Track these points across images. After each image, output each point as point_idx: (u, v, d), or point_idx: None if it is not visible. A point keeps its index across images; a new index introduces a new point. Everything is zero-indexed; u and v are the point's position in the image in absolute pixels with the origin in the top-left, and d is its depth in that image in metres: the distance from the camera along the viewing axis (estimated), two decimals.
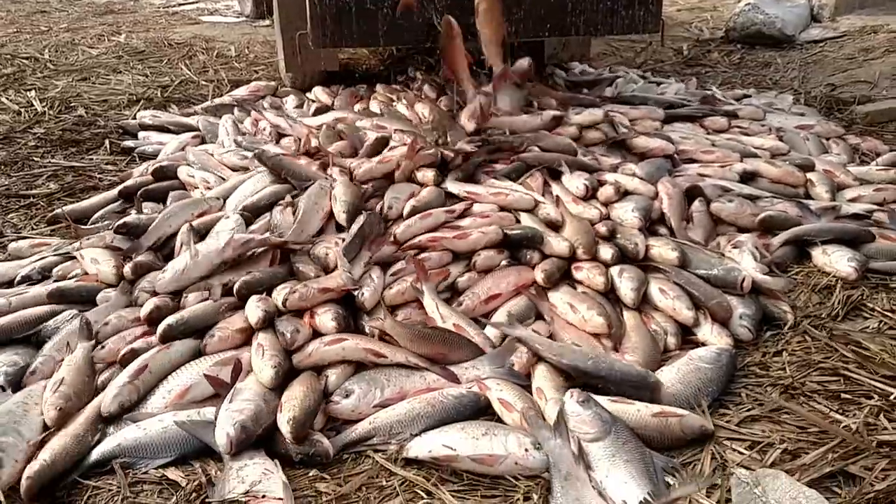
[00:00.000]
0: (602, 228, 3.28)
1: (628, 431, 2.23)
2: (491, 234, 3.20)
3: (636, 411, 2.34)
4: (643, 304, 2.97)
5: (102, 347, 2.73)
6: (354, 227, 3.17)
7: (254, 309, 2.77)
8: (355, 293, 2.86)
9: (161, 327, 2.73)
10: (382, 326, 2.74)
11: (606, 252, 3.13)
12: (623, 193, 3.60)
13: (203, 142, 4.77)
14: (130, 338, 2.78)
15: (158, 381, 2.58)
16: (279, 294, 2.83)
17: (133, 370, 2.56)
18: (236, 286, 2.90)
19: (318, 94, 5.57)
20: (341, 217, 3.29)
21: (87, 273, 3.20)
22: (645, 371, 2.52)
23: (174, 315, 2.79)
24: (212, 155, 4.30)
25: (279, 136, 4.68)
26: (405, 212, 3.33)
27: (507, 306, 2.95)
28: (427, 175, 3.61)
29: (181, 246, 3.25)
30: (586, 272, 3.03)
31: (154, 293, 2.96)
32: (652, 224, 3.46)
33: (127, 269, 3.12)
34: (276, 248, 3.14)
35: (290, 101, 5.52)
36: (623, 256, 3.15)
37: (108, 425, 2.43)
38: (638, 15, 4.63)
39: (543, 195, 3.57)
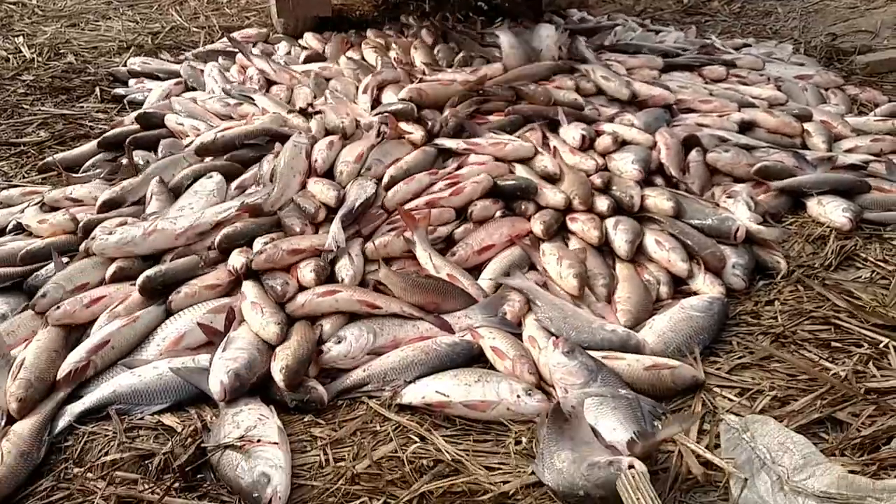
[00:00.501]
0: (597, 180, 3.26)
1: (614, 377, 2.26)
2: (483, 182, 3.18)
3: (627, 366, 2.35)
4: (637, 253, 2.97)
5: (58, 308, 2.62)
6: (358, 198, 3.08)
7: (236, 257, 2.78)
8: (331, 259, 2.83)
9: (140, 280, 2.69)
10: (376, 275, 2.74)
11: (602, 203, 3.13)
12: (621, 143, 3.56)
13: (187, 88, 4.71)
14: (87, 300, 2.67)
15: (120, 356, 2.52)
16: (255, 250, 2.83)
17: (92, 345, 2.49)
18: (217, 239, 2.87)
19: (309, 40, 5.47)
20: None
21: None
22: (626, 334, 2.51)
23: (154, 267, 2.77)
24: (196, 102, 4.27)
25: (268, 82, 4.62)
26: (384, 181, 3.23)
27: (500, 257, 2.95)
28: (414, 135, 3.53)
29: (151, 197, 3.23)
30: (581, 224, 3.03)
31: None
32: (650, 174, 3.43)
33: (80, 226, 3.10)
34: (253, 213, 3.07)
35: (282, 48, 5.43)
36: (619, 208, 3.14)
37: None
38: None
39: (542, 148, 3.52)
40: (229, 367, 2.31)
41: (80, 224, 3.10)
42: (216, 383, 2.28)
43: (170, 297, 2.66)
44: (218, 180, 3.29)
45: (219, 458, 2.08)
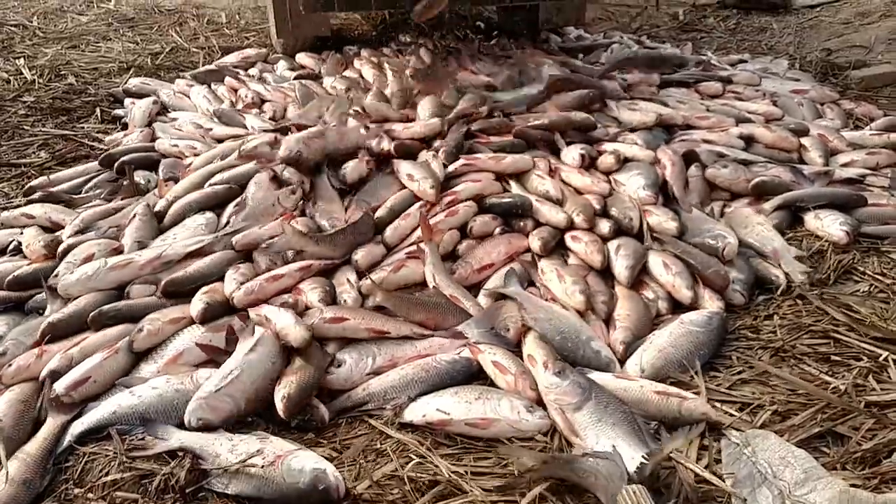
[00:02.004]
0: (595, 204, 3.24)
1: (607, 393, 2.25)
2: (473, 208, 3.24)
3: (639, 387, 2.33)
4: (641, 271, 2.95)
5: (10, 365, 2.51)
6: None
7: (197, 301, 2.68)
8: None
9: (91, 315, 2.65)
10: (376, 301, 2.74)
11: (605, 227, 3.11)
12: (623, 161, 3.57)
13: (164, 108, 4.81)
14: (39, 351, 2.56)
15: (103, 389, 2.45)
16: (228, 288, 2.76)
17: (72, 381, 2.42)
18: (161, 285, 2.78)
19: (302, 59, 5.57)
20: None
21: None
22: (609, 360, 2.50)
23: (110, 304, 2.72)
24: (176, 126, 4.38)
25: (262, 101, 4.73)
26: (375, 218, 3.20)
27: (499, 275, 2.95)
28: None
29: (134, 216, 3.22)
30: (584, 246, 3.00)
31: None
32: None
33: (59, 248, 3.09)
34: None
35: (281, 66, 5.50)
36: (619, 229, 3.14)
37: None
38: None
39: (547, 174, 3.49)
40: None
41: (59, 249, 3.08)
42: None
43: (130, 337, 2.57)
44: (209, 216, 3.25)
45: (253, 483, 2.07)
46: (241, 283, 2.75)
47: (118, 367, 2.51)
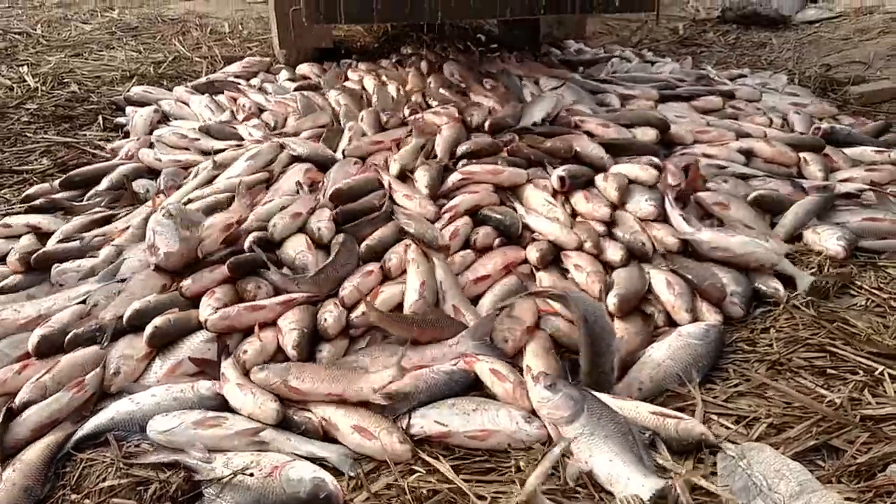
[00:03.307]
0: (599, 228, 3.20)
1: (599, 404, 2.25)
2: (470, 223, 3.25)
3: (634, 408, 2.31)
4: None
5: None
6: (333, 255, 2.99)
7: (149, 327, 2.60)
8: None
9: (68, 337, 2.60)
10: (368, 322, 2.69)
11: (615, 253, 3.04)
12: (626, 185, 3.44)
13: (166, 117, 4.86)
14: (18, 367, 2.54)
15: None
16: (203, 313, 2.68)
17: (38, 426, 2.34)
18: (126, 315, 2.67)
19: (303, 69, 5.62)
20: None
21: None
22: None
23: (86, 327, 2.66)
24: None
25: (260, 110, 4.78)
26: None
27: (495, 288, 2.95)
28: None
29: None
30: (586, 277, 2.92)
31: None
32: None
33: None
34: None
35: (283, 75, 5.55)
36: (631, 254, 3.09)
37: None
38: None
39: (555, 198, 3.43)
40: None
41: (32, 259, 3.08)
42: None
43: (107, 381, 2.49)
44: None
45: (252, 494, 2.07)
46: (217, 308, 2.67)
47: (86, 400, 2.44)
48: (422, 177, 3.46)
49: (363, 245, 3.06)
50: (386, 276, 2.97)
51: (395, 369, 2.36)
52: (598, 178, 3.48)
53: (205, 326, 2.63)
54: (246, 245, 3.02)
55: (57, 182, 3.91)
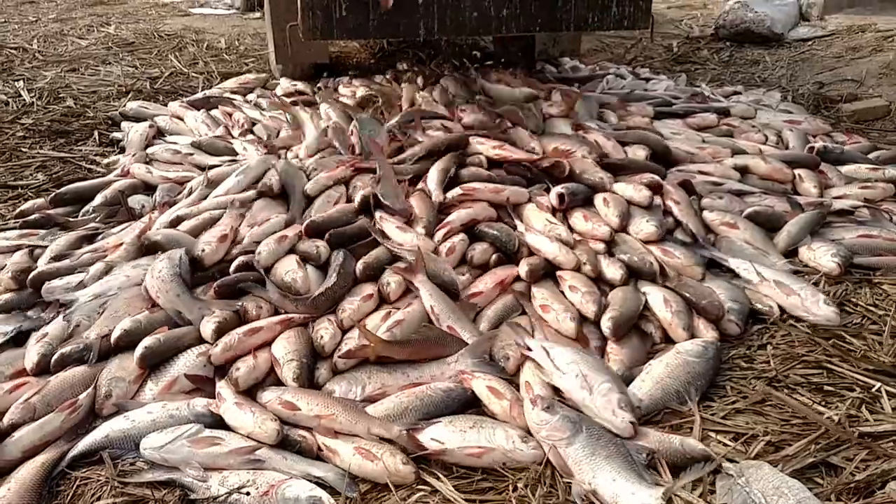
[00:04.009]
0: (599, 246, 3.19)
1: (597, 426, 2.24)
2: (466, 240, 3.23)
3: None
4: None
5: None
6: (331, 276, 2.96)
7: (139, 347, 2.57)
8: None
9: (55, 358, 2.59)
10: (371, 353, 2.61)
11: (615, 273, 3.04)
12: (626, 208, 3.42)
13: (160, 132, 4.86)
14: (10, 386, 2.51)
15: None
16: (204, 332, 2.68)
17: (30, 447, 2.32)
18: (114, 336, 2.65)
19: (299, 86, 5.65)
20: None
21: None
22: None
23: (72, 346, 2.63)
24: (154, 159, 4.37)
25: (252, 123, 4.84)
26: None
27: (492, 308, 2.93)
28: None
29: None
30: (580, 297, 2.88)
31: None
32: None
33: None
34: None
35: (279, 91, 5.57)
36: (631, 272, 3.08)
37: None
38: (628, 11, 4.65)
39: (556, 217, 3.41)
40: None
41: (28, 279, 3.05)
42: None
43: (98, 405, 2.46)
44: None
45: None
46: (217, 333, 2.66)
47: (78, 422, 2.42)
48: (421, 218, 3.32)
49: (360, 263, 3.02)
50: (383, 300, 2.93)
51: (400, 433, 2.30)
52: (598, 201, 3.44)
53: (209, 361, 2.59)
54: (232, 269, 3.02)
55: (48, 199, 3.88)
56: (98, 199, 3.82)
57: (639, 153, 4.00)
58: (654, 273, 3.05)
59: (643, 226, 3.26)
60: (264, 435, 2.27)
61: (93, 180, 4.10)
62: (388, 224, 3.27)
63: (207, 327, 2.68)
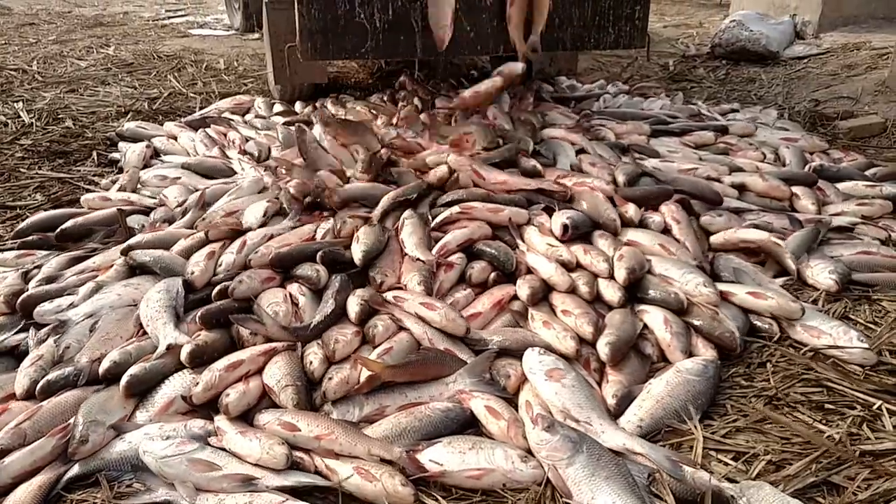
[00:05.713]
0: (603, 267, 3.12)
1: (597, 445, 2.23)
2: (462, 263, 3.22)
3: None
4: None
5: None
6: (328, 305, 2.90)
7: (125, 376, 2.53)
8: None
9: (41, 385, 2.55)
10: (379, 381, 2.56)
11: (613, 295, 3.01)
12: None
13: (157, 153, 4.89)
14: None
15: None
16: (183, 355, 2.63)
17: (20, 473, 2.27)
18: (102, 368, 2.60)
19: (296, 106, 5.67)
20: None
21: None
22: None
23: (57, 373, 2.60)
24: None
25: (245, 140, 4.90)
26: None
27: (490, 330, 2.91)
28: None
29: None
30: (574, 320, 2.85)
31: None
32: None
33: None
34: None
35: (276, 109, 5.61)
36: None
37: None
38: (625, 30, 4.69)
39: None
40: None
41: (18, 302, 3.01)
42: None
43: (72, 450, 2.32)
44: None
45: None
46: (192, 356, 2.61)
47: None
48: (414, 281, 3.08)
49: (356, 304, 2.90)
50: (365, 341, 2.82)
51: (401, 455, 2.28)
52: (604, 245, 3.33)
53: (189, 402, 2.49)
54: (213, 293, 2.99)
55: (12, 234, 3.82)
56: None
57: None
58: (681, 304, 2.95)
59: (702, 290, 3.03)
60: (273, 461, 2.22)
61: (96, 213, 3.93)
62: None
63: (184, 351, 2.63)
